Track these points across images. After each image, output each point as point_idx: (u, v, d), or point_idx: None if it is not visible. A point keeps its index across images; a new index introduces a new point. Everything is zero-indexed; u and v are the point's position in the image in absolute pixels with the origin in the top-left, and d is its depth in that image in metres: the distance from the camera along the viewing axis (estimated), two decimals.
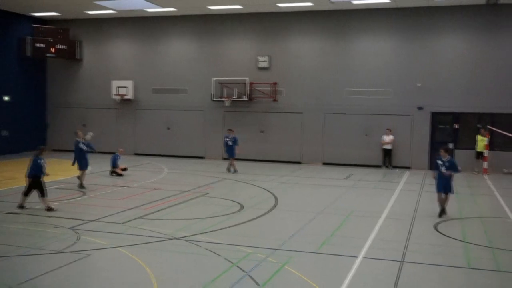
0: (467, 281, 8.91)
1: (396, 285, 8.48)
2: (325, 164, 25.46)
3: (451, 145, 23.49)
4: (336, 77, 25.27)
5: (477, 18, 23.47)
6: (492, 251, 10.60)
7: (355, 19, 25.01)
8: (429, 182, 18.75)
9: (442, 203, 13.82)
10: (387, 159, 24.45)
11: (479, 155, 22.77)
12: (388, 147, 24.25)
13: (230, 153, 22.10)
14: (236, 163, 22.25)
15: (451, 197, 14.14)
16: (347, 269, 9.19)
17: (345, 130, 25.22)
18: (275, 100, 26.07)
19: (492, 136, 22.72)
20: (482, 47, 23.53)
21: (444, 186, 13.71)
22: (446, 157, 13.76)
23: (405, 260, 9.78)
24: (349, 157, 25.11)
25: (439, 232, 12.15)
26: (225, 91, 26.45)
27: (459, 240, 11.47)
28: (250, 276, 8.70)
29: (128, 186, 18.04)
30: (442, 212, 13.72)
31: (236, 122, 26.32)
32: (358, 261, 9.69)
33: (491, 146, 22.69)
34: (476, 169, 22.69)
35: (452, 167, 13.71)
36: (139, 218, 13.04)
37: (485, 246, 10.97)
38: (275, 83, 26.05)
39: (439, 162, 13.82)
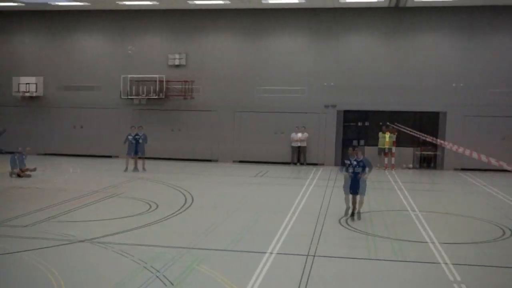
0: (370, 271, 9.40)
1: (306, 278, 8.79)
2: (240, 162, 25.76)
3: (361, 142, 24.65)
4: (251, 75, 25.63)
5: (382, 20, 24.75)
6: (391, 242, 11.26)
7: (269, 18, 25.47)
8: (340, 178, 19.47)
9: (354, 204, 13.34)
10: (302, 156, 25.14)
11: (382, 151, 24.04)
12: (299, 144, 24.91)
13: (138, 151, 21.50)
14: (144, 161, 21.89)
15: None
16: (257, 264, 9.40)
17: (259, 128, 25.63)
18: (191, 98, 26.00)
19: (398, 133, 23.99)
20: (389, 48, 24.84)
21: (357, 187, 13.17)
22: (357, 156, 13.29)
23: (312, 254, 10.16)
24: (262, 154, 25.55)
25: (344, 225, 12.71)
26: (140, 88, 26.01)
27: (363, 232, 12.07)
28: (161, 276, 8.69)
29: (36, 187, 17.32)
30: (354, 215, 13.28)
31: (151, 120, 25.98)
32: (268, 256, 9.93)
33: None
34: (378, 164, 23.84)
35: (367, 166, 13.23)
36: (46, 220, 12.58)
37: (386, 237, 11.62)
38: (192, 81, 25.98)
39: (351, 162, 13.23)
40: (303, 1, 23.66)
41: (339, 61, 25.00)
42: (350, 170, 13.26)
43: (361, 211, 13.50)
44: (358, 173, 13.20)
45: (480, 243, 11.43)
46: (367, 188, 13.59)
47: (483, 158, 10.53)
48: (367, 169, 13.30)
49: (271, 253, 10.17)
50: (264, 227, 12.49)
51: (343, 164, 13.80)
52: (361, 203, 13.41)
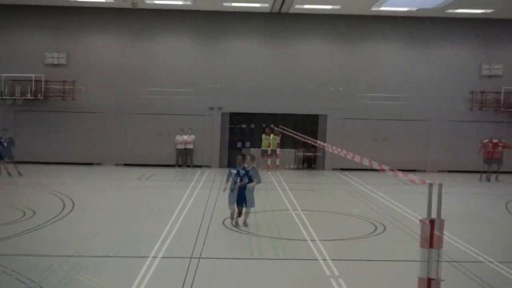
0: (253, 270, 9.60)
1: (190, 281, 8.77)
2: (124, 165, 25.11)
3: (247, 144, 25.23)
4: (136, 77, 25.11)
5: (266, 25, 25.56)
6: (274, 241, 11.60)
7: (155, 18, 25.17)
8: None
9: (239, 214, 12.77)
10: (188, 158, 25.07)
11: (265, 153, 24.76)
12: (183, 146, 24.79)
13: (2, 155, 20.16)
14: (17, 166, 20.55)
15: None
16: (140, 269, 9.21)
17: (144, 130, 25.19)
18: (73, 99, 24.84)
19: (282, 135, 24.80)
20: (272, 52, 25.71)
21: (244, 199, 12.60)
22: (246, 165, 12.63)
23: (197, 256, 10.17)
24: (147, 157, 25.08)
25: (229, 227, 12.83)
26: (15, 88, 24.33)
27: (247, 233, 12.30)
28: (36, 287, 8.21)
29: None
30: (243, 224, 12.71)
31: (28, 122, 24.55)
32: (151, 260, 9.77)
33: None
34: (262, 166, 24.48)
35: (255, 178, 12.65)
36: None
37: (269, 237, 11.94)
38: (73, 81, 24.85)
39: (239, 171, 12.56)
40: (189, 3, 23.63)
41: (225, 63, 25.33)
42: (236, 180, 12.51)
43: (247, 219, 12.91)
44: (246, 183, 12.51)
45: (356, 238, 12.15)
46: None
47: (357, 159, 11.21)
48: (255, 179, 12.68)
49: (154, 257, 10.02)
50: (148, 231, 12.26)
51: (229, 174, 12.82)
52: (247, 213, 12.85)
